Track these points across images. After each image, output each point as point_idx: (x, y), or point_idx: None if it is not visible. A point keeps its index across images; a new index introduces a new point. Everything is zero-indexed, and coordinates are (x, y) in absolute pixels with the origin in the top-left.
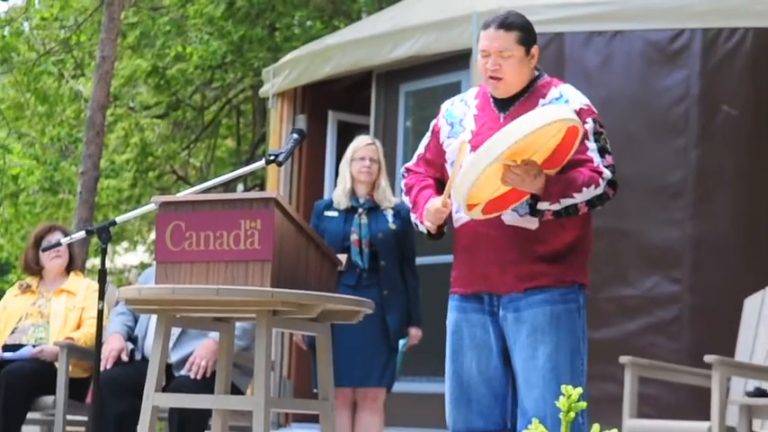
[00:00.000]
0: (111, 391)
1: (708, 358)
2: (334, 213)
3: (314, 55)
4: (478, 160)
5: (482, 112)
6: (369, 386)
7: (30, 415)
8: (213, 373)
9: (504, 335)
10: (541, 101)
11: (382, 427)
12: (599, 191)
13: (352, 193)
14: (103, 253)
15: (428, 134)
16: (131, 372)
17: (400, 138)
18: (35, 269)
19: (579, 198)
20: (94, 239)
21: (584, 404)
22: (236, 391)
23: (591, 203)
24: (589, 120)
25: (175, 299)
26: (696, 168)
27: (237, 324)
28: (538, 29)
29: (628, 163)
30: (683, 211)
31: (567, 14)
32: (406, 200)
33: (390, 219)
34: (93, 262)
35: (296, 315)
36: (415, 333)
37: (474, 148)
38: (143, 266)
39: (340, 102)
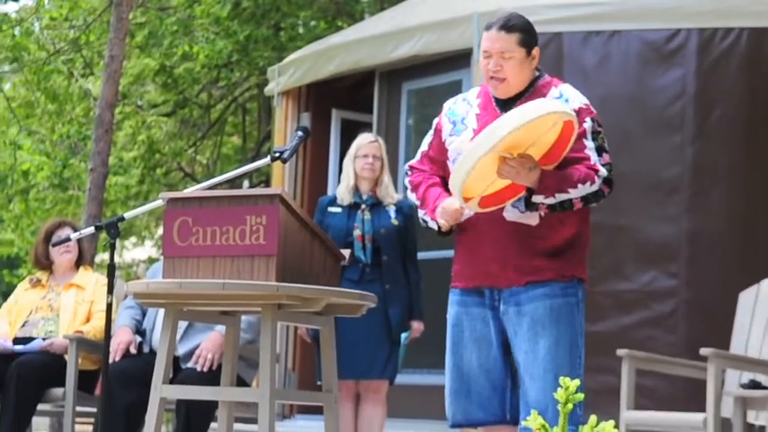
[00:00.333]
0: (120, 383)
1: (703, 351)
2: (338, 209)
3: (318, 54)
4: (473, 150)
5: (484, 111)
6: (371, 378)
7: (40, 406)
8: (219, 366)
9: (503, 328)
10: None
11: (385, 419)
12: (594, 188)
13: (356, 190)
14: (112, 248)
15: (431, 132)
16: (139, 364)
17: (402, 135)
18: (45, 264)
19: (574, 194)
20: (103, 235)
21: (581, 396)
22: (241, 382)
23: (585, 200)
24: (588, 119)
25: (182, 293)
26: (692, 165)
27: (243, 317)
28: (537, 28)
29: (625, 160)
30: (679, 206)
31: (566, 15)
32: (412, 197)
33: (393, 215)
34: (102, 257)
35: (300, 309)
36: (416, 326)
37: None
38: (151, 261)
39: (343, 100)
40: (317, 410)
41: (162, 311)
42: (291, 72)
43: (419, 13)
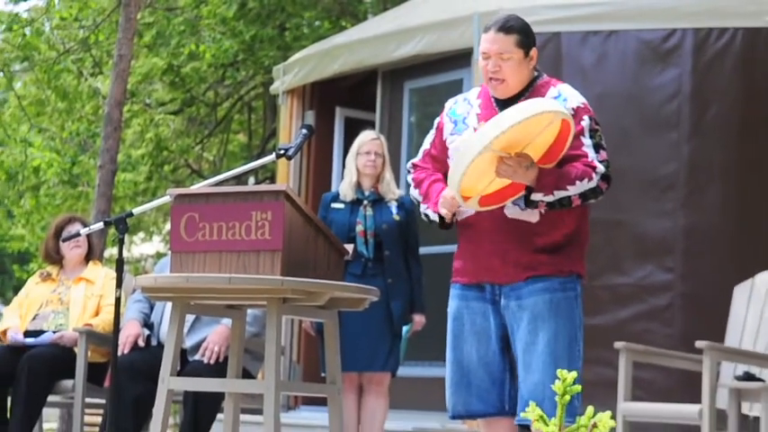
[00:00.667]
0: (128, 376)
1: (699, 344)
2: (341, 205)
3: (322, 54)
4: (468, 150)
5: (484, 110)
6: (374, 371)
7: (50, 397)
8: (226, 358)
9: (503, 323)
10: None
11: (387, 410)
12: (592, 184)
13: (358, 186)
14: (121, 243)
15: (432, 131)
16: (147, 357)
17: (405, 133)
18: (55, 258)
19: (572, 191)
20: (112, 230)
21: (578, 387)
22: (247, 375)
23: (584, 196)
24: (585, 117)
25: (189, 287)
26: (688, 162)
27: (249, 311)
28: (536, 29)
29: (622, 157)
30: (675, 202)
31: (564, 15)
32: (415, 193)
33: (394, 210)
34: (111, 251)
35: (305, 302)
36: (418, 319)
37: None
38: (159, 256)
39: (347, 98)
40: (321, 402)
41: (169, 305)
42: (296, 71)
43: (421, 13)
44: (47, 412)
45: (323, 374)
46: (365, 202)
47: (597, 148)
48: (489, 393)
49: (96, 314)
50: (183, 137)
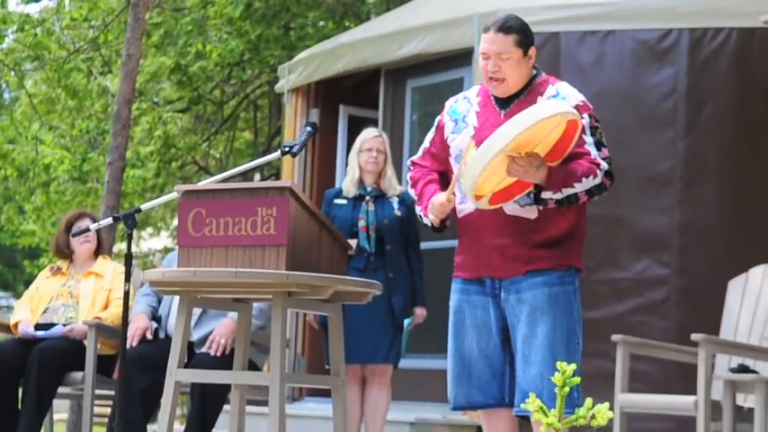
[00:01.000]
0: (137, 368)
1: (694, 337)
2: (344, 201)
3: (326, 53)
4: (484, 153)
5: (484, 109)
6: (376, 363)
7: (60, 389)
8: (232, 351)
9: (503, 315)
10: (539, 98)
11: (389, 401)
12: (597, 181)
13: (360, 182)
14: (129, 238)
15: (433, 129)
16: (155, 349)
17: (407, 130)
18: (66, 253)
19: (579, 188)
20: (121, 225)
21: (577, 379)
22: (253, 367)
23: (590, 193)
24: (585, 115)
25: (197, 281)
26: (684, 159)
27: (255, 305)
28: (535, 29)
29: (620, 154)
30: (672, 198)
31: (563, 15)
32: (412, 192)
33: (396, 206)
34: (120, 246)
35: (309, 296)
36: (419, 312)
37: (477, 143)
38: (166, 251)
39: (350, 97)
40: (325, 393)
41: (177, 299)
42: (301, 70)
43: (423, 13)
44: (57, 403)
45: (327, 367)
46: (367, 197)
47: (599, 145)
48: (490, 385)
49: (105, 307)
50: (190, 134)
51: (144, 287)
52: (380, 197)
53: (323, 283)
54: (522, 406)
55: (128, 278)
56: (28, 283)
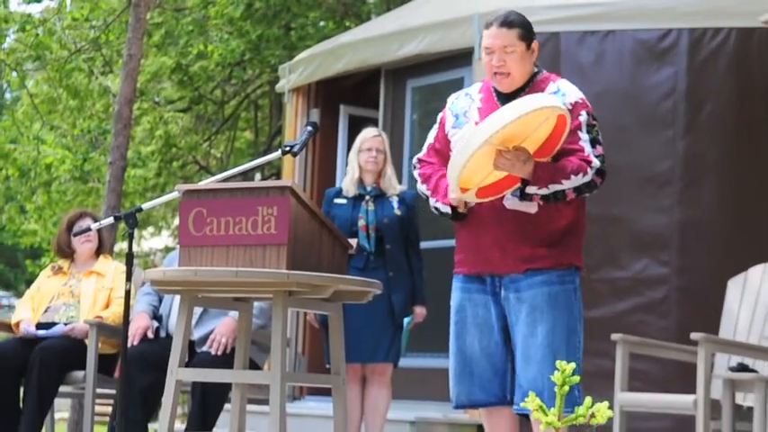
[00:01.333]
0: (138, 367)
1: (694, 336)
2: (344, 200)
3: (327, 53)
4: (469, 144)
5: (485, 104)
6: (377, 362)
7: (62, 388)
8: (233, 350)
9: (504, 313)
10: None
11: (390, 400)
12: (587, 179)
13: (360, 182)
14: (130, 237)
15: (436, 126)
16: (156, 348)
17: (407, 130)
18: (67, 252)
19: (567, 185)
20: (122, 225)
21: (577, 378)
22: (254, 366)
23: (578, 190)
24: (583, 112)
25: (197, 280)
26: (683, 159)
27: (255, 304)
28: (535, 29)
29: (619, 153)
30: (671, 198)
31: (563, 15)
32: (423, 188)
33: (396, 205)
34: (121, 246)
35: (310, 295)
36: (419, 311)
37: None
38: (167, 250)
39: (351, 97)
40: (325, 392)
41: (178, 298)
42: (301, 70)
43: (423, 13)
44: (59, 402)
45: (327, 366)
46: (367, 197)
47: (594, 143)
48: (491, 383)
49: (106, 307)
50: (191, 134)
51: (145, 286)
52: (380, 196)
53: (323, 283)
54: (522, 405)
55: (129, 277)
56: (29, 283)
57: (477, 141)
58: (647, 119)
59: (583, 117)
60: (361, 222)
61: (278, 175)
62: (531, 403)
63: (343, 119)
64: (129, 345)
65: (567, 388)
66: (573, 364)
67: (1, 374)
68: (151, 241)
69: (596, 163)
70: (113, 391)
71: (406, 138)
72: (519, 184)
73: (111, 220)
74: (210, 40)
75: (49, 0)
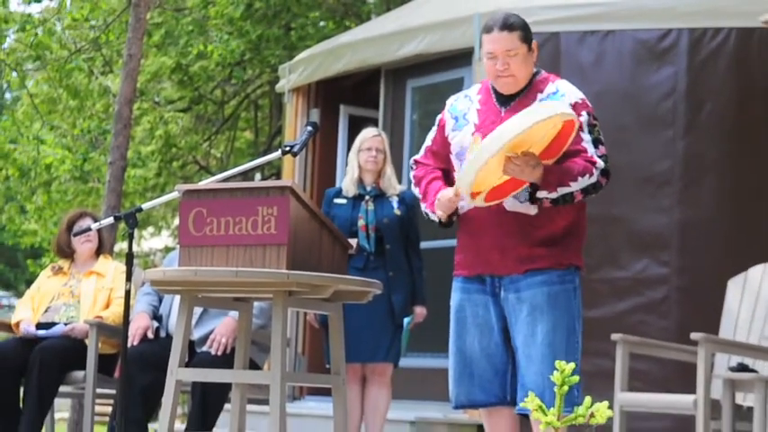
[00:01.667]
0: (138, 367)
1: (694, 336)
2: (343, 200)
3: (327, 53)
4: (483, 151)
5: (484, 106)
6: (377, 362)
7: (62, 388)
8: (233, 350)
9: (504, 314)
10: (539, 95)
11: (390, 400)
12: (593, 180)
13: (360, 182)
14: (130, 237)
15: (434, 128)
16: (156, 348)
17: (407, 130)
18: (67, 252)
19: (575, 186)
20: (122, 225)
21: (576, 378)
22: (254, 366)
23: (585, 191)
24: (584, 113)
25: (197, 280)
26: (683, 158)
27: (255, 304)
28: (535, 29)
29: (619, 153)
30: (671, 198)
31: (563, 15)
32: (416, 191)
33: (395, 205)
34: (121, 246)
35: (310, 295)
36: (419, 311)
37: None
38: (167, 250)
39: (351, 97)
40: (325, 392)
41: (178, 298)
42: (301, 70)
43: (423, 13)
44: (59, 402)
45: (327, 366)
46: (367, 197)
47: (596, 143)
48: (491, 384)
49: (107, 307)
50: (191, 134)
51: (145, 286)
52: (380, 196)
53: (323, 283)
54: (522, 404)
55: (129, 277)
56: (29, 283)
57: (493, 149)
58: (647, 119)
59: (584, 117)
60: (361, 222)
61: (278, 175)
62: (530, 403)
63: (343, 119)
64: (129, 345)
65: (566, 388)
66: (572, 364)
67: (1, 374)
68: (151, 241)
69: (600, 163)
70: (113, 391)
71: (405, 138)
72: (523, 187)
73: (111, 220)
74: (210, 40)
75: (48, 0)
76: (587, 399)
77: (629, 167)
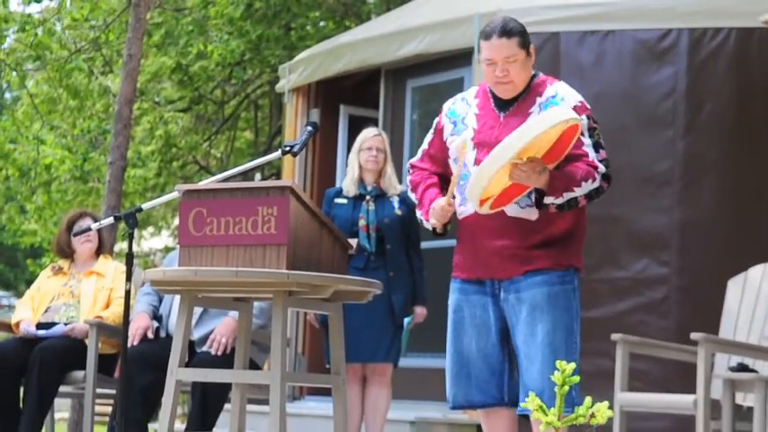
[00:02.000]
0: (138, 367)
1: (694, 335)
2: (344, 200)
3: (327, 53)
4: (493, 161)
5: (483, 110)
6: (377, 362)
7: (62, 388)
8: (233, 350)
9: (502, 315)
10: (538, 99)
11: (390, 400)
12: (595, 184)
13: (360, 182)
14: (130, 237)
15: (431, 132)
16: (156, 348)
17: (407, 130)
18: (67, 252)
19: (579, 192)
20: (122, 225)
21: (577, 378)
22: (254, 366)
23: (589, 196)
24: (583, 116)
25: (197, 280)
26: (683, 159)
27: (255, 304)
28: (535, 29)
29: (619, 154)
30: (671, 198)
31: (563, 15)
32: (413, 196)
33: (396, 205)
34: (121, 246)
35: (310, 295)
36: (420, 311)
37: (476, 145)
38: (167, 250)
39: (351, 97)
40: (326, 392)
41: (178, 298)
42: (301, 70)
43: (423, 13)
44: (59, 402)
45: (327, 366)
46: (367, 197)
47: (597, 147)
48: (488, 384)
49: (107, 307)
50: (191, 134)
51: (145, 286)
52: (381, 196)
53: (323, 283)
54: (522, 405)
55: (129, 277)
56: (29, 283)
57: (504, 158)
58: (646, 119)
59: (583, 121)
60: (362, 222)
61: (278, 175)
62: (530, 403)
63: (343, 119)
64: (129, 345)
65: (566, 388)
66: (573, 364)
67: (1, 374)
68: (151, 241)
69: (602, 168)
70: (113, 391)
71: (405, 138)
72: (529, 193)
73: (111, 220)
74: (210, 40)
75: (48, 0)
76: (588, 399)
77: (630, 167)
